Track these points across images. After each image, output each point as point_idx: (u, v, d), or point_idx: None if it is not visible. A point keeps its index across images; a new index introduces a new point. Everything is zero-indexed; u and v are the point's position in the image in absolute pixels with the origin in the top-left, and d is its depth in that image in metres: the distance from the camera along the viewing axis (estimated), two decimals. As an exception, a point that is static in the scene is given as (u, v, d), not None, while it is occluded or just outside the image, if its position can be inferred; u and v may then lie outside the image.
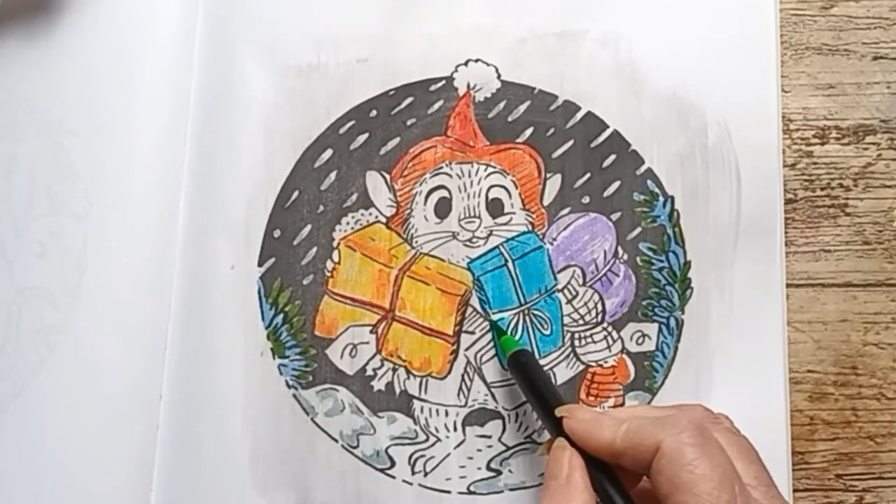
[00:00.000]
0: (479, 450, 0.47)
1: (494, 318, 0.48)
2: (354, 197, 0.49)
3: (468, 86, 0.50)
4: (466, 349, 0.48)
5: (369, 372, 0.48)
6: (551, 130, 0.49)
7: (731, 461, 0.38)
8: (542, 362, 0.48)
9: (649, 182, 0.49)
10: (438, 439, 0.47)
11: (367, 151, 0.49)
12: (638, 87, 0.49)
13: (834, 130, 0.50)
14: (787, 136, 0.49)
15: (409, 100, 0.50)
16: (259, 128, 0.49)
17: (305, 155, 0.49)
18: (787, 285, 0.48)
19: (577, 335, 0.48)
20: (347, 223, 0.49)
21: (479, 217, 0.49)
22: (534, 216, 0.49)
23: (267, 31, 0.50)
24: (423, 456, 0.47)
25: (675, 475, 0.37)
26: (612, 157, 0.49)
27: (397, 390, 0.48)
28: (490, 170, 0.49)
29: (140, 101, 0.48)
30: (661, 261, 0.49)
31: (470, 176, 0.49)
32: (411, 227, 0.49)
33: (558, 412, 0.41)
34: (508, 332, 0.48)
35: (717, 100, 0.49)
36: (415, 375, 0.48)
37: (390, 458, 0.47)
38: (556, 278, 0.48)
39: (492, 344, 0.48)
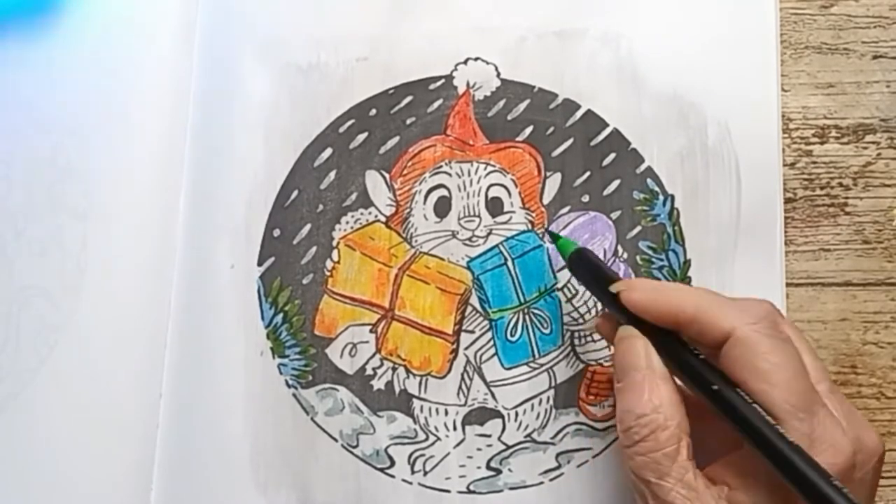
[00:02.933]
0: (479, 449, 0.48)
1: (494, 316, 0.48)
2: (354, 196, 0.49)
3: (468, 84, 0.50)
4: (466, 348, 0.48)
5: (369, 371, 0.48)
6: (551, 129, 0.49)
7: (801, 356, 0.38)
8: (541, 361, 0.48)
9: (649, 181, 0.49)
10: (438, 438, 0.47)
11: (366, 150, 0.49)
12: (638, 85, 0.49)
13: (833, 129, 0.49)
14: (787, 135, 0.49)
15: (409, 98, 0.50)
16: (259, 127, 0.49)
17: (305, 154, 0.49)
18: (787, 284, 0.48)
19: (576, 334, 0.48)
20: (347, 222, 0.49)
21: (479, 216, 0.49)
22: (533, 215, 0.49)
23: (267, 30, 0.50)
24: (422, 455, 0.47)
25: (750, 363, 0.37)
26: (612, 155, 0.49)
27: (397, 389, 0.48)
28: (490, 168, 0.49)
29: (140, 101, 0.48)
30: (661, 259, 0.49)
31: (469, 175, 0.49)
32: (411, 227, 0.49)
33: (614, 288, 0.41)
34: (507, 333, 0.48)
35: (718, 99, 0.49)
36: (414, 374, 0.48)
37: (390, 457, 0.47)
38: (555, 277, 0.48)
39: (492, 342, 0.48)
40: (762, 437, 0.36)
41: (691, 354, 0.39)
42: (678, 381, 0.39)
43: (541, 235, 0.49)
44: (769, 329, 0.38)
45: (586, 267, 0.45)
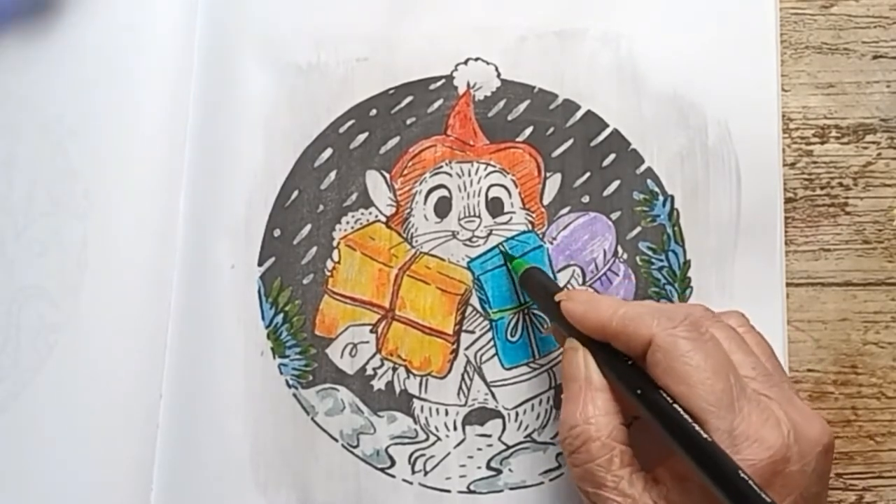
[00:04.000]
0: (479, 449, 0.48)
1: (495, 317, 0.48)
2: (354, 196, 0.49)
3: (468, 84, 0.50)
4: (466, 348, 0.48)
5: (369, 371, 0.48)
6: (551, 129, 0.49)
7: (727, 354, 0.39)
8: (541, 362, 0.48)
9: (649, 181, 0.49)
10: (438, 438, 0.47)
11: (366, 150, 0.49)
12: (638, 85, 0.49)
13: (834, 129, 0.49)
14: (787, 135, 0.49)
15: (409, 99, 0.50)
16: (259, 127, 0.49)
17: (305, 154, 0.49)
18: (787, 284, 0.48)
19: (576, 334, 0.48)
20: (347, 222, 0.49)
21: (479, 216, 0.49)
22: (533, 215, 0.49)
23: (267, 30, 0.50)
24: (423, 455, 0.47)
25: (670, 367, 0.38)
26: (612, 156, 0.49)
27: (397, 390, 0.48)
28: (490, 169, 0.49)
29: (140, 101, 0.48)
30: (661, 260, 0.49)
31: (470, 175, 0.49)
32: (411, 227, 0.49)
33: (557, 297, 0.42)
34: (508, 333, 0.48)
35: (718, 99, 0.49)
36: (415, 375, 0.48)
37: (390, 457, 0.47)
38: (555, 278, 0.48)
39: (492, 343, 0.48)
40: (679, 435, 0.36)
41: (621, 362, 0.40)
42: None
43: (540, 237, 0.49)
44: (687, 332, 0.38)
45: (536, 283, 0.46)
